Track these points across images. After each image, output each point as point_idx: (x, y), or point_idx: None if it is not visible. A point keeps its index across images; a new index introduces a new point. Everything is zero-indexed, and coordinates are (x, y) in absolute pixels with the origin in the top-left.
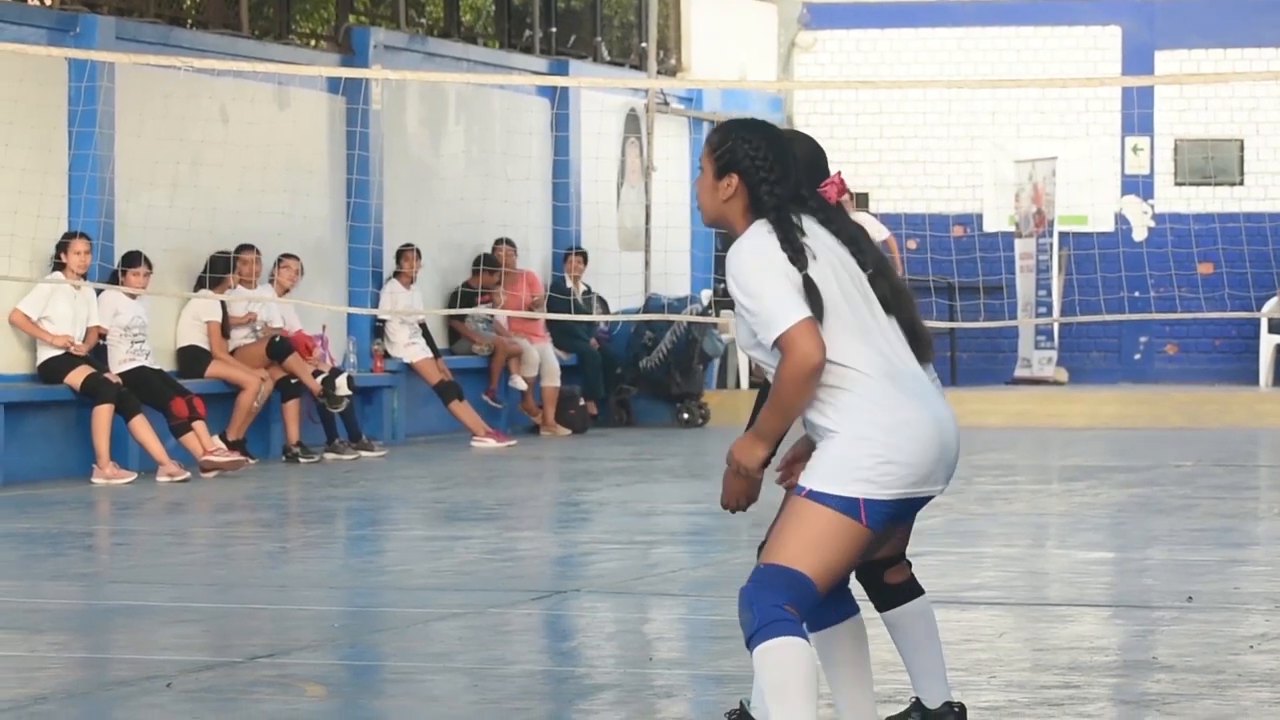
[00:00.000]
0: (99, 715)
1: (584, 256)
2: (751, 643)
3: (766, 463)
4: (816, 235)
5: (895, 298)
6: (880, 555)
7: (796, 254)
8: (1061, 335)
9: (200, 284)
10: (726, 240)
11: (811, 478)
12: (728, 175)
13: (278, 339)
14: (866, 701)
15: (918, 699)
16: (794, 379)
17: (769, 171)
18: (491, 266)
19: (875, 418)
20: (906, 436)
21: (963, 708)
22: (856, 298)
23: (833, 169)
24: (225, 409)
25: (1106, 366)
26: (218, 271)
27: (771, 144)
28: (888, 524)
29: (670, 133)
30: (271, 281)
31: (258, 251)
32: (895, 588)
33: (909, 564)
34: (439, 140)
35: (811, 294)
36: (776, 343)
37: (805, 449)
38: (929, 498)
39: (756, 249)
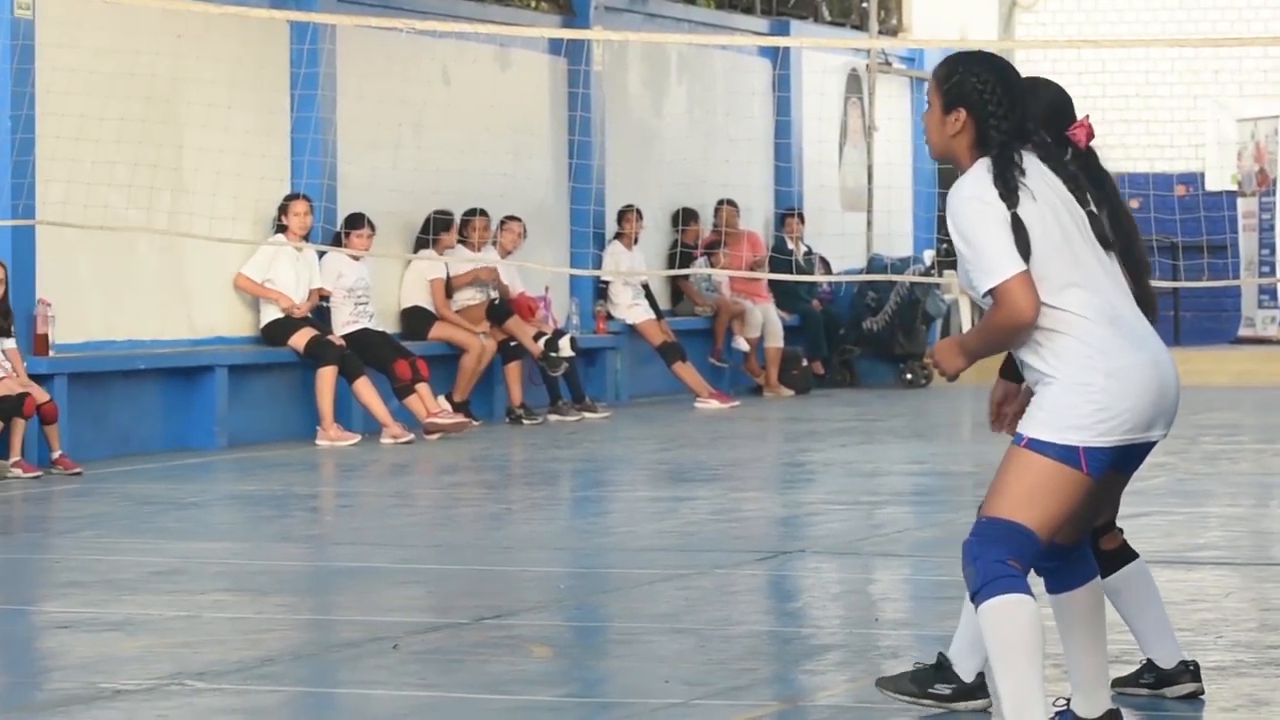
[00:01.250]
0: (326, 677)
1: (801, 217)
2: (976, 599)
3: (960, 371)
4: (1039, 174)
5: (1117, 237)
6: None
7: (1009, 192)
8: None
9: (422, 245)
10: (948, 179)
11: (1030, 425)
12: (955, 110)
13: (497, 301)
14: (1099, 665)
15: (1149, 660)
16: (1003, 330)
17: (996, 106)
18: (691, 223)
19: (1094, 363)
20: (1126, 381)
21: (1197, 666)
22: (1077, 239)
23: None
24: (448, 371)
25: None
26: (437, 232)
27: (1000, 78)
28: (1108, 471)
29: (891, 93)
30: (494, 244)
31: (487, 216)
32: (1111, 554)
33: (1120, 530)
34: (660, 101)
35: (1019, 234)
36: (989, 292)
37: (1011, 390)
38: (1150, 444)
39: (974, 193)
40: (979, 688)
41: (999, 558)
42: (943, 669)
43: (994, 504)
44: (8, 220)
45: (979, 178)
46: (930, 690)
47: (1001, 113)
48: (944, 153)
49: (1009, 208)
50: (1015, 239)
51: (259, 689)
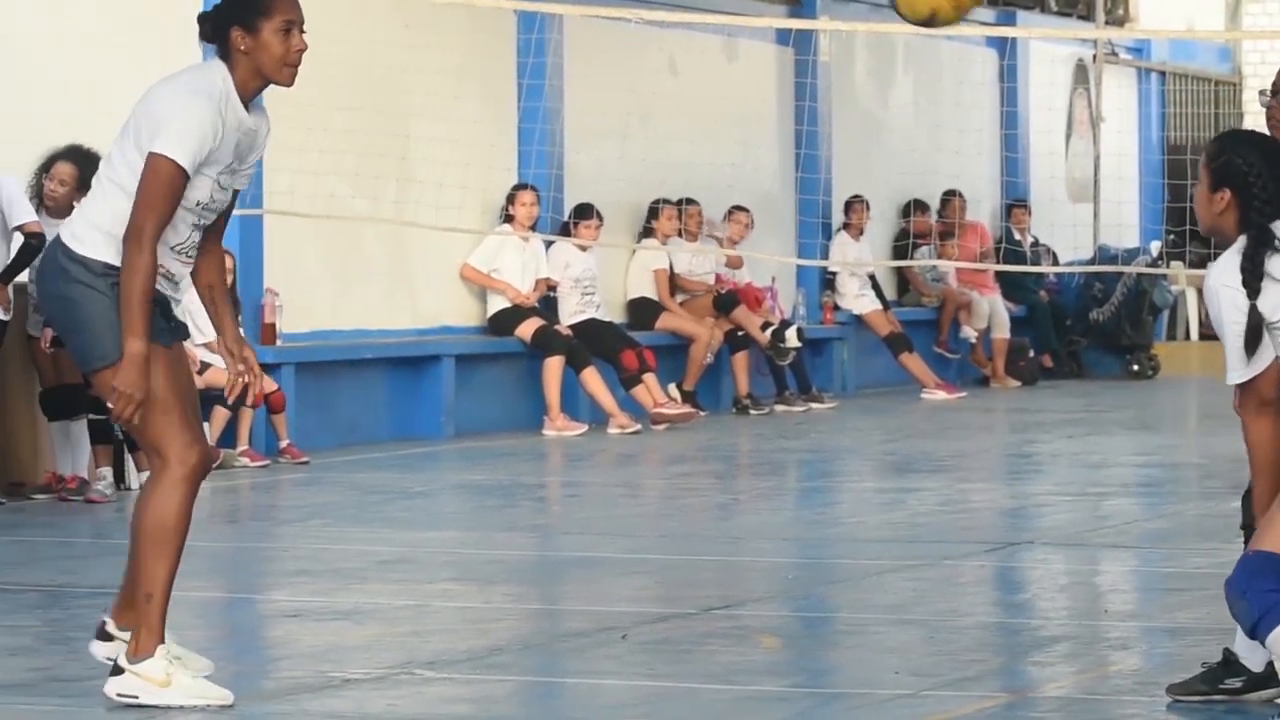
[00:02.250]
0: (554, 666)
1: (1028, 208)
2: (1258, 631)
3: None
4: None
5: None
6: None
7: (1253, 279)
8: None
9: (647, 234)
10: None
11: None
12: (1221, 189)
13: (723, 291)
14: None
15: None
16: (1251, 449)
17: (1261, 189)
18: (919, 214)
19: None
20: None
21: None
22: None
23: None
24: (675, 361)
25: None
26: (656, 221)
27: (1266, 160)
28: None
29: (1119, 83)
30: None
31: (699, 206)
32: None
33: None
34: (887, 91)
35: (1254, 325)
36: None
37: None
38: None
39: (1220, 279)
40: (1270, 677)
41: (1268, 588)
42: (1231, 664)
43: (1263, 538)
44: (236, 210)
45: (1229, 260)
46: (1221, 686)
47: (1265, 195)
48: (1210, 228)
49: (1250, 297)
50: (1250, 331)
51: (488, 678)
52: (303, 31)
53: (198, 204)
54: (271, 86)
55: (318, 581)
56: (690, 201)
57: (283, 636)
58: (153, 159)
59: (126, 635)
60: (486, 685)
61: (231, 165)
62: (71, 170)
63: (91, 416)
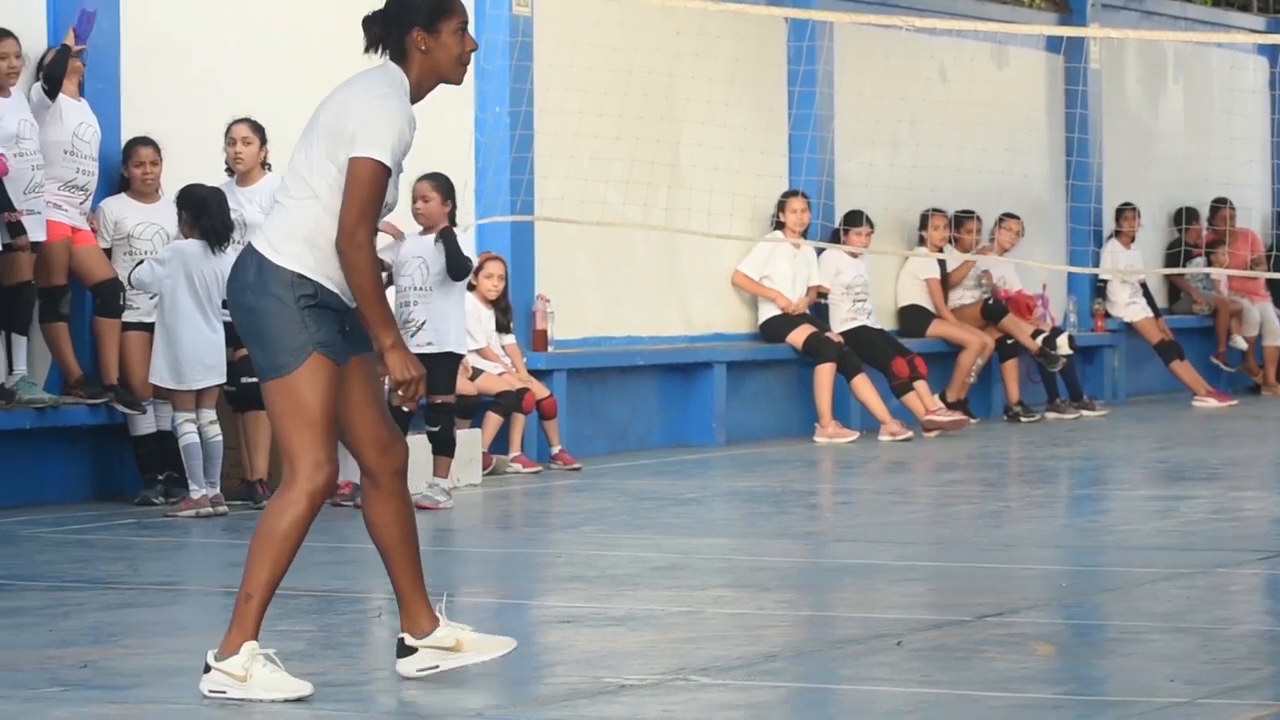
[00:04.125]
0: (827, 673)
1: None
2: None
3: None
4: None
5: None
6: None
7: None
8: None
9: (920, 242)
10: None
11: None
12: None
13: (991, 300)
14: None
15: None
16: None
17: None
18: (1193, 222)
19: None
20: None
21: None
22: None
23: None
24: (947, 368)
25: None
26: (926, 229)
27: None
28: None
29: None
30: (992, 241)
31: (978, 219)
32: None
33: None
34: (1157, 98)
35: None
36: None
37: None
38: None
39: None
40: None
41: None
42: None
43: None
44: (507, 216)
45: None
46: None
47: None
48: None
49: None
50: None
51: (762, 684)
52: (469, 32)
53: (385, 207)
54: (541, 92)
55: (591, 588)
56: (968, 214)
57: (557, 642)
58: (356, 164)
59: (425, 640)
60: (760, 691)
61: (400, 165)
62: None
63: (428, 429)
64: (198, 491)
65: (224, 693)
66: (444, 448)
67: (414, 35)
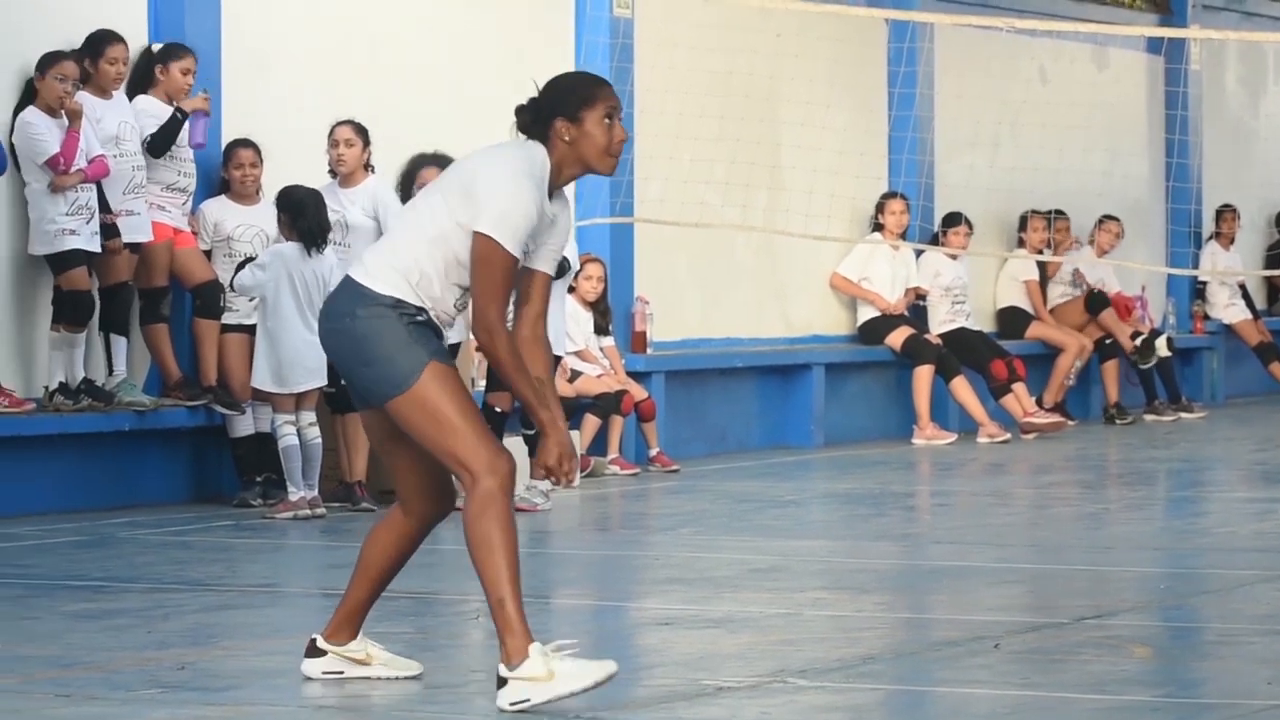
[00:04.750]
0: (925, 675)
1: None
2: None
3: None
4: None
5: None
6: None
7: None
8: None
9: (1019, 244)
10: None
11: None
12: None
13: (1094, 292)
14: None
15: None
16: None
17: None
18: None
19: None
20: None
21: None
22: None
23: None
24: (1045, 370)
25: None
26: (1026, 231)
27: None
28: None
29: None
30: (1091, 243)
31: (1067, 219)
32: None
33: None
34: (1258, 100)
35: None
36: None
37: None
38: None
39: None
40: None
41: None
42: None
43: None
44: (606, 218)
45: None
46: None
47: None
48: None
49: None
50: None
51: (860, 686)
52: (621, 120)
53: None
54: (641, 93)
55: (690, 589)
56: (1060, 214)
57: (655, 644)
58: (485, 243)
59: (337, 648)
60: (858, 694)
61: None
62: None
63: (524, 432)
64: (296, 493)
65: (528, 700)
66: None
67: (557, 125)
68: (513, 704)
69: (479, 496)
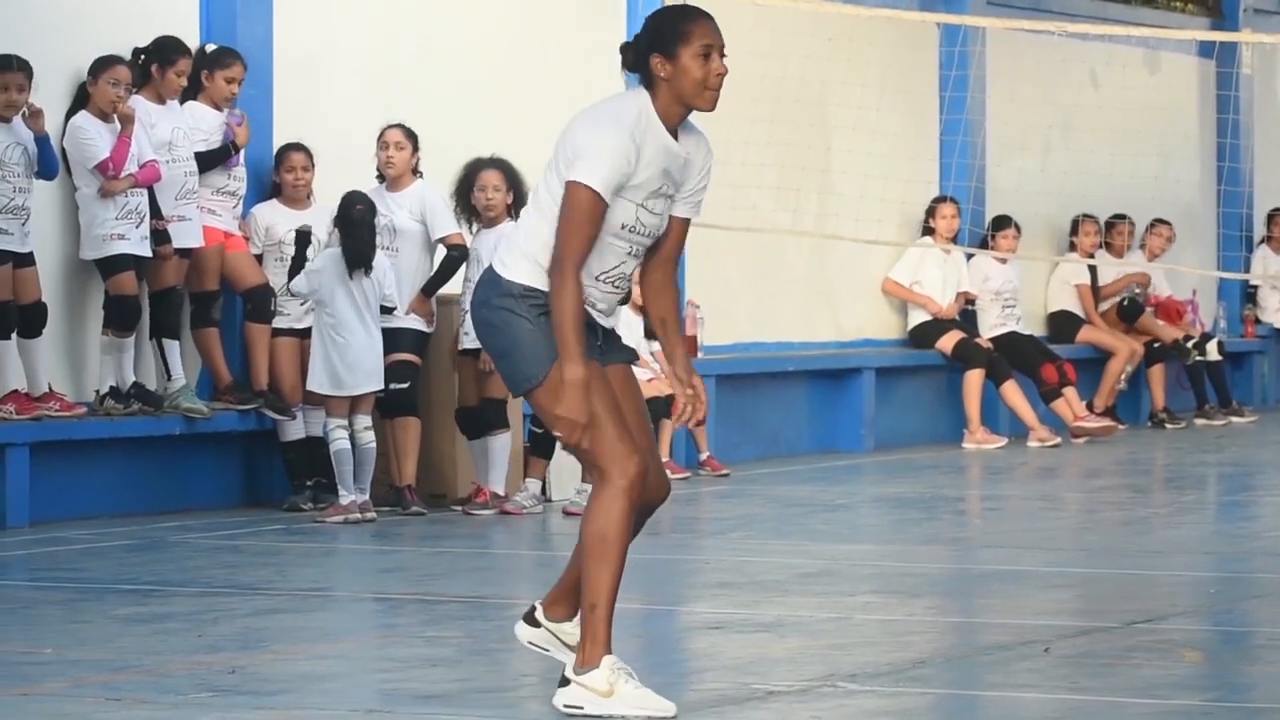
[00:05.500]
0: (975, 679)
1: None
2: None
3: None
4: None
5: None
6: None
7: None
8: None
9: (1071, 248)
10: None
11: None
12: None
13: (1127, 301)
14: None
15: None
16: None
17: None
18: None
19: None
20: None
21: None
22: None
23: None
24: (1097, 374)
25: None
26: (1077, 234)
27: None
28: None
29: None
30: (1142, 247)
31: (1131, 222)
32: None
33: None
34: None
35: None
36: None
37: None
38: None
39: None
40: None
41: None
42: None
43: None
44: None
45: None
46: None
47: None
48: None
49: None
50: None
51: (910, 691)
52: (723, 55)
53: (623, 227)
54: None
55: (740, 593)
56: (1121, 217)
57: (705, 648)
58: (570, 187)
59: (553, 625)
60: (908, 698)
61: (661, 190)
62: (499, 178)
63: (534, 429)
64: (346, 497)
65: (581, 708)
66: (542, 450)
67: (654, 61)
68: (566, 706)
69: (605, 496)
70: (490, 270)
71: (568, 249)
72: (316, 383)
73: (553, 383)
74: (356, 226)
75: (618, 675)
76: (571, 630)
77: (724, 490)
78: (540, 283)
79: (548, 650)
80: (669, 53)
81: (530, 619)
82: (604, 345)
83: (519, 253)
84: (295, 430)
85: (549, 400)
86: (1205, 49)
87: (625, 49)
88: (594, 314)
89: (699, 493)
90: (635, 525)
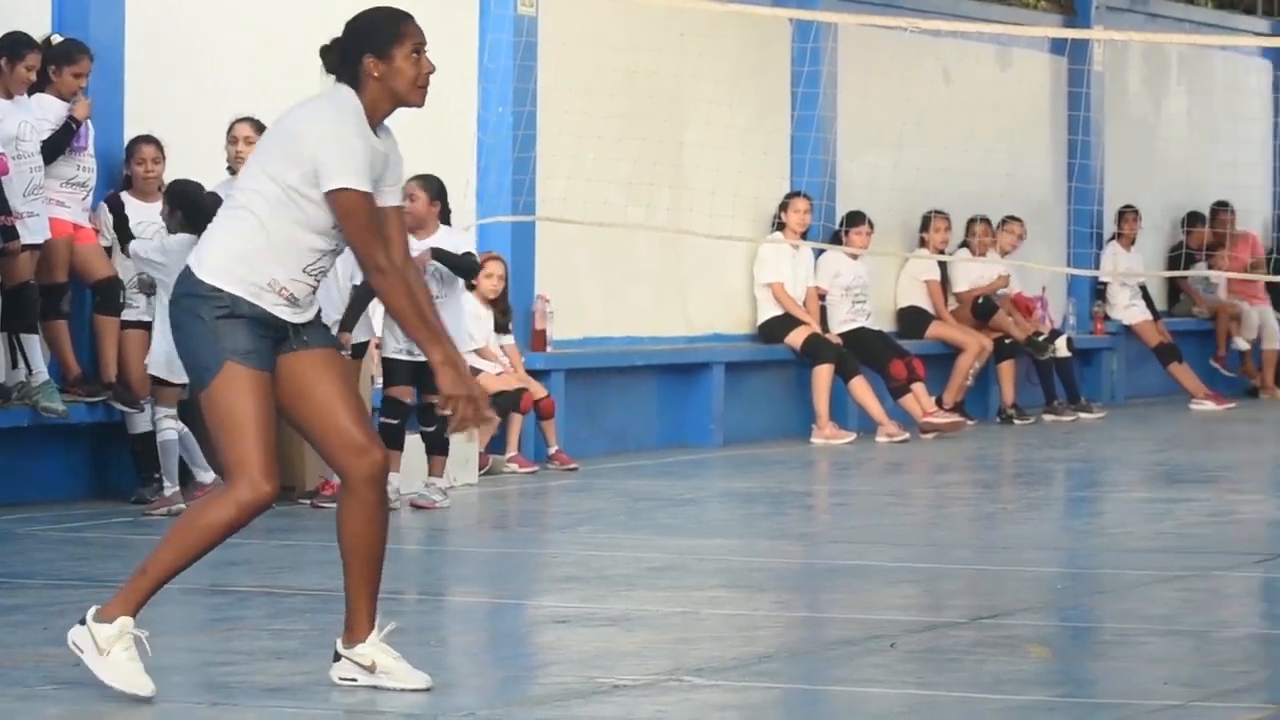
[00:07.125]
0: (821, 674)
1: None
2: None
3: None
4: None
5: None
6: None
7: None
8: None
9: (921, 244)
10: None
11: None
12: None
13: (981, 299)
14: None
15: None
16: None
17: None
18: (1197, 225)
19: None
20: None
21: None
22: None
23: None
24: (945, 370)
25: None
26: (928, 230)
27: None
28: None
29: None
30: (993, 245)
31: (988, 221)
32: None
33: None
34: (1160, 101)
35: None
36: None
37: None
38: None
39: None
40: None
41: None
42: None
43: None
44: (508, 216)
45: None
46: None
47: None
48: None
49: None
50: None
51: (756, 685)
52: (426, 54)
53: (334, 226)
54: (544, 92)
55: (586, 588)
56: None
57: (551, 642)
58: (338, 197)
59: (348, 653)
60: (754, 692)
61: None
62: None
63: (423, 429)
64: (171, 489)
65: (82, 652)
66: (439, 447)
67: (366, 62)
68: (74, 643)
69: (224, 499)
70: (186, 268)
71: (371, 254)
72: (154, 364)
73: (214, 390)
74: (197, 199)
75: (121, 639)
76: (365, 650)
77: (572, 484)
78: (232, 282)
79: (356, 680)
80: (383, 53)
81: (335, 657)
82: (306, 338)
83: (213, 250)
84: (143, 423)
85: (208, 407)
86: (1057, 46)
87: (327, 51)
88: (286, 311)
89: (547, 487)
90: (371, 500)
